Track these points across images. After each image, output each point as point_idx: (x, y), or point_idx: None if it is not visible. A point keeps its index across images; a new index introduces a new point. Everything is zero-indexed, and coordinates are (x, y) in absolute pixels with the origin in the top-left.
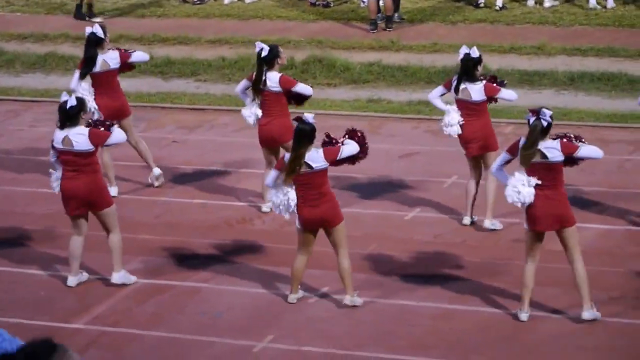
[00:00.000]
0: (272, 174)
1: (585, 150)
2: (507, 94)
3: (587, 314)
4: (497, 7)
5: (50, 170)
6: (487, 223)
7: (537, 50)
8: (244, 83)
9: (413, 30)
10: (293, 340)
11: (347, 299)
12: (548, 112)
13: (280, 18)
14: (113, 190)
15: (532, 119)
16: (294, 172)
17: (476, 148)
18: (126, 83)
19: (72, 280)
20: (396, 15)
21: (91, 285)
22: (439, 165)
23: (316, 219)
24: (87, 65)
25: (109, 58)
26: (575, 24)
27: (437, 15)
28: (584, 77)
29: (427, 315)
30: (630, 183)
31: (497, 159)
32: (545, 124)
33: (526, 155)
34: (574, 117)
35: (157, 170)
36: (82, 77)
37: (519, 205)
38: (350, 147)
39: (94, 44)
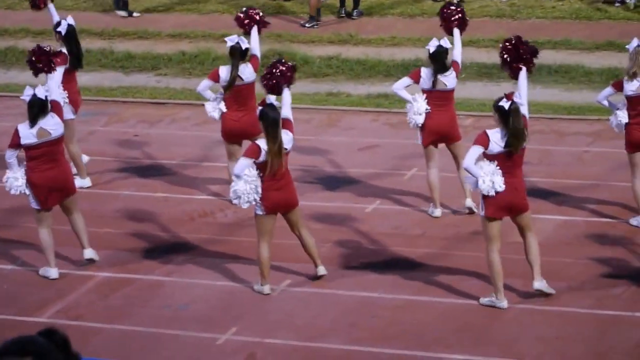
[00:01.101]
0: (243, 162)
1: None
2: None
3: (539, 283)
4: (455, 0)
5: (8, 170)
6: (470, 202)
7: (495, 43)
8: (207, 82)
9: (372, 24)
10: (256, 332)
11: (322, 270)
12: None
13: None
14: (87, 182)
15: (507, 104)
16: (281, 157)
17: (442, 138)
18: (87, 77)
19: (54, 272)
20: (355, 11)
21: (53, 280)
22: (398, 158)
23: (282, 202)
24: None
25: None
26: (532, 17)
27: (395, 8)
28: (541, 70)
29: (389, 307)
30: (589, 174)
31: (470, 153)
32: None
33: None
34: (531, 110)
35: (86, 182)
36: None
37: (492, 194)
38: (289, 108)
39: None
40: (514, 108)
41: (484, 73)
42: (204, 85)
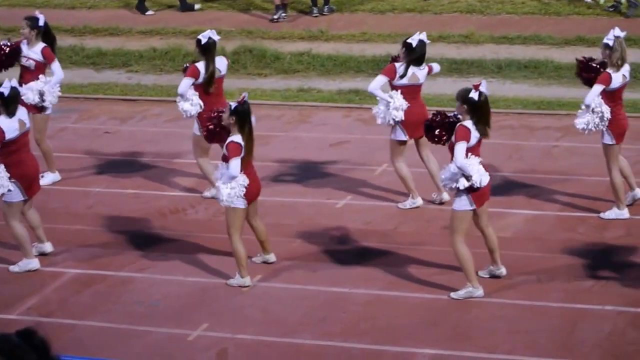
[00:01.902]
0: (237, 162)
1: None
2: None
3: (503, 269)
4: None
5: None
6: (446, 196)
7: (465, 39)
8: (188, 81)
9: (342, 20)
10: (227, 328)
11: (273, 257)
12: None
13: (211, 8)
14: (57, 176)
15: (477, 95)
16: (252, 151)
17: (419, 131)
18: None
19: (36, 262)
20: (326, 8)
21: (24, 276)
22: (369, 153)
23: (256, 191)
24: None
25: (33, 52)
26: (502, 12)
27: (366, 5)
28: (511, 65)
29: (360, 302)
30: (558, 169)
31: (460, 151)
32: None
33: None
34: (501, 105)
35: (56, 177)
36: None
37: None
38: None
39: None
40: (484, 98)
41: (454, 69)
42: (186, 85)
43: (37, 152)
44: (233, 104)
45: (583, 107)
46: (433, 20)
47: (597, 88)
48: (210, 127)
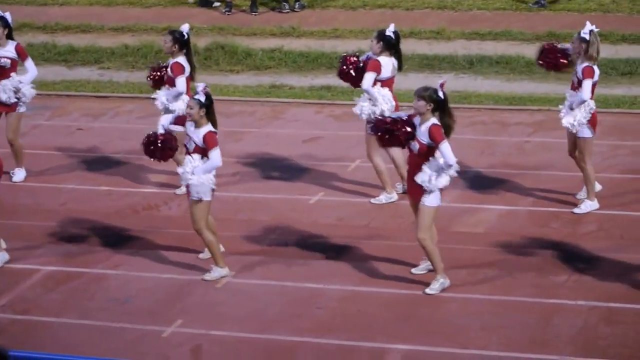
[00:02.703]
0: (219, 152)
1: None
2: None
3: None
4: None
5: None
6: (402, 187)
7: (436, 34)
8: (184, 80)
9: (314, 16)
10: (202, 325)
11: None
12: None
13: (183, 5)
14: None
15: (442, 95)
16: None
17: None
18: None
19: (6, 255)
20: (297, 4)
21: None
22: (342, 149)
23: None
24: None
25: (6, 50)
26: (473, 8)
27: (337, 1)
28: (483, 61)
29: (334, 298)
30: (530, 164)
31: (449, 150)
32: None
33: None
34: (473, 101)
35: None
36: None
37: None
38: None
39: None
40: (447, 97)
41: (425, 64)
42: (184, 84)
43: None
44: (200, 98)
45: (565, 104)
46: (404, 16)
47: (589, 82)
48: (152, 148)
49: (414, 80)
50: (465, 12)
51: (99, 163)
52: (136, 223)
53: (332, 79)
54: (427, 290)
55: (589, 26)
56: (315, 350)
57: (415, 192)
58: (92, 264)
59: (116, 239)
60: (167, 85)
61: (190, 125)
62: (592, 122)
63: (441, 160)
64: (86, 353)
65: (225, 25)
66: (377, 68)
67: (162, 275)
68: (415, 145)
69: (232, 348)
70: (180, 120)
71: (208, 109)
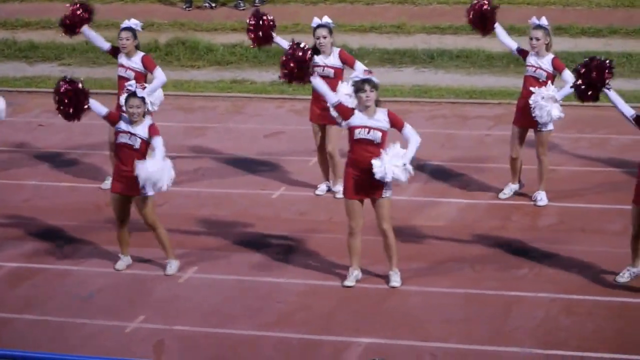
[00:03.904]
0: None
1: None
2: None
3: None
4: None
5: None
6: (339, 187)
7: (396, 29)
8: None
9: (275, 11)
10: (164, 320)
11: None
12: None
13: (143, 1)
14: None
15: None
16: None
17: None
18: None
19: None
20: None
21: None
22: (303, 144)
23: None
24: None
25: None
26: (433, 2)
27: None
28: (443, 55)
29: (295, 292)
30: (491, 157)
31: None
32: None
33: None
34: (434, 95)
35: None
36: None
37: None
38: None
39: None
40: None
41: (386, 59)
42: (163, 73)
43: None
44: (143, 94)
45: (538, 102)
46: (365, 11)
47: (567, 70)
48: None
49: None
50: (426, 6)
51: (60, 159)
52: (99, 219)
53: None
54: (394, 284)
55: (535, 19)
56: (277, 344)
57: (372, 187)
58: (55, 261)
59: (79, 235)
60: (136, 82)
61: (125, 125)
62: None
63: (396, 148)
64: (49, 350)
65: (186, 21)
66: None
67: (125, 271)
68: (377, 134)
69: (194, 343)
70: (112, 116)
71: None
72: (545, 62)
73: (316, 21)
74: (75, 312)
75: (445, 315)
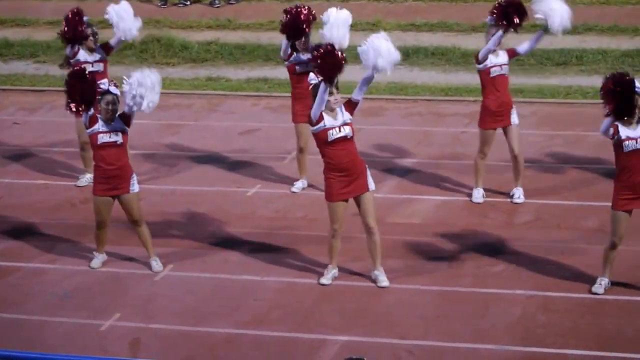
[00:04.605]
0: None
1: None
2: None
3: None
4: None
5: None
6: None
7: (372, 26)
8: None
9: (250, 9)
10: (140, 318)
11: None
12: None
13: None
14: None
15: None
16: None
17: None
18: None
19: None
20: None
21: None
22: (278, 142)
23: None
24: None
25: None
26: None
27: None
28: (419, 52)
29: (271, 289)
30: (467, 155)
31: None
32: None
33: None
34: (410, 92)
35: None
36: None
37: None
38: None
39: None
40: None
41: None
42: None
43: None
44: (117, 91)
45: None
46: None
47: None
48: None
49: (350, 72)
50: (401, 3)
51: (35, 157)
52: (74, 216)
53: (269, 71)
54: (383, 284)
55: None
56: (254, 342)
57: (356, 184)
58: (30, 259)
59: (54, 233)
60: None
61: (103, 126)
62: None
63: None
64: (24, 348)
65: (161, 18)
66: None
67: (100, 269)
68: (347, 128)
69: (170, 341)
70: (93, 119)
71: None
72: (502, 55)
73: None
74: (51, 310)
75: (422, 312)
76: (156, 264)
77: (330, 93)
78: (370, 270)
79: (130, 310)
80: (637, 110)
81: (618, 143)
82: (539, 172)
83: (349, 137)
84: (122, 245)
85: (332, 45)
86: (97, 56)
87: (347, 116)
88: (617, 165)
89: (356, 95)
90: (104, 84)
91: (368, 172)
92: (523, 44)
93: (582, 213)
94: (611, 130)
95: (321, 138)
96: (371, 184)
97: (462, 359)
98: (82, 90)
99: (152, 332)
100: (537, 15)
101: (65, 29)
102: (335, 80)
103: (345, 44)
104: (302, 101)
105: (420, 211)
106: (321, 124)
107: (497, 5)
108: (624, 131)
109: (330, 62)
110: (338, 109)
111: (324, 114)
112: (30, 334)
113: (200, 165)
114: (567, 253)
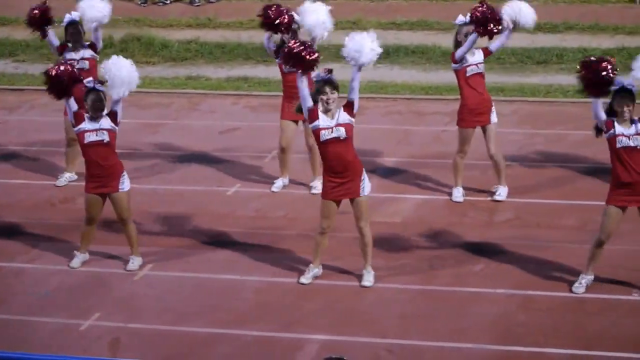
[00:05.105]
0: None
1: None
2: None
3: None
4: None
5: None
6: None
7: (352, 24)
8: None
9: (230, 7)
10: (119, 317)
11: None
12: None
13: None
14: None
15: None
16: None
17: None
18: None
19: None
20: None
21: None
22: (259, 140)
23: None
24: None
25: None
26: None
27: None
28: (399, 51)
29: (252, 289)
30: (447, 153)
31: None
32: None
33: None
34: (390, 91)
35: None
36: None
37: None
38: None
39: None
40: None
41: (341, 55)
42: None
43: None
44: (102, 89)
45: None
46: None
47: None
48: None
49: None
50: (381, 2)
51: (14, 156)
52: (53, 216)
53: (249, 70)
54: (366, 283)
55: (462, 17)
56: (234, 341)
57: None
58: (9, 258)
59: (33, 232)
60: (90, 69)
61: (90, 124)
62: None
63: None
64: (3, 348)
65: (141, 17)
66: None
67: (80, 268)
68: (340, 130)
69: (150, 341)
70: (79, 116)
71: None
72: (478, 54)
73: None
74: (31, 310)
75: (402, 311)
76: (132, 263)
77: (324, 93)
78: (351, 269)
79: (111, 310)
80: (626, 108)
81: (612, 138)
82: (519, 171)
83: (341, 138)
84: (103, 245)
85: (301, 42)
86: (83, 54)
87: (344, 117)
88: (612, 161)
89: (350, 95)
90: (89, 82)
91: (364, 176)
92: (494, 41)
93: (562, 211)
94: (605, 128)
95: (316, 136)
96: (365, 189)
97: (442, 357)
98: (57, 81)
99: (132, 331)
100: (505, 17)
101: (35, 11)
102: (332, 80)
103: (324, 30)
104: (290, 99)
105: (401, 210)
106: (316, 123)
107: (477, 12)
108: (619, 128)
109: (295, 57)
110: (336, 110)
111: (319, 113)
112: (9, 334)
113: (181, 164)
114: (546, 251)
